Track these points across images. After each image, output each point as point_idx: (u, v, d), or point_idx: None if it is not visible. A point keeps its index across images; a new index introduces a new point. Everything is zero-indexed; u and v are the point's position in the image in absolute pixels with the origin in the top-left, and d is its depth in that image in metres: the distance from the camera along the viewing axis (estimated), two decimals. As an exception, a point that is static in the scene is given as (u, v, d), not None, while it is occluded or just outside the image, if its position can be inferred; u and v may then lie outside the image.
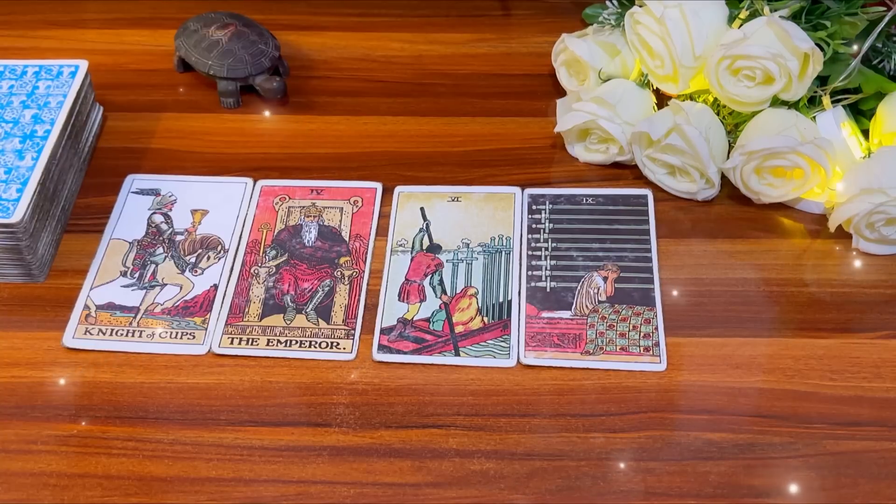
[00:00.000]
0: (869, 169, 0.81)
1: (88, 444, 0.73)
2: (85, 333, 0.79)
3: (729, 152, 0.87)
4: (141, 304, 0.81)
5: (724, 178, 0.87)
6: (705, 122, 0.85)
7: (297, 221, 0.87)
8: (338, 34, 1.07)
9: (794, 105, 0.86)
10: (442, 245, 0.85)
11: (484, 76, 1.02)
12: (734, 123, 0.89)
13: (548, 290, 0.81)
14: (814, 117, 0.85)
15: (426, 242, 0.85)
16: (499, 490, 0.70)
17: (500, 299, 0.81)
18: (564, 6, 1.10)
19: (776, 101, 0.85)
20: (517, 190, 0.89)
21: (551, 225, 0.86)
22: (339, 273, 0.83)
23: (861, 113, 0.87)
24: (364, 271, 0.84)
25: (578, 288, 0.81)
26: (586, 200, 0.88)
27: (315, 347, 0.78)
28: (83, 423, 0.74)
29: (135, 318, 0.80)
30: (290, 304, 0.81)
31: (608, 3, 0.94)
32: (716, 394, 0.75)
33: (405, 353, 0.78)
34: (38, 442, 0.73)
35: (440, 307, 0.81)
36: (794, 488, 0.69)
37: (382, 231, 0.87)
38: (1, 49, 1.05)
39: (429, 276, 0.83)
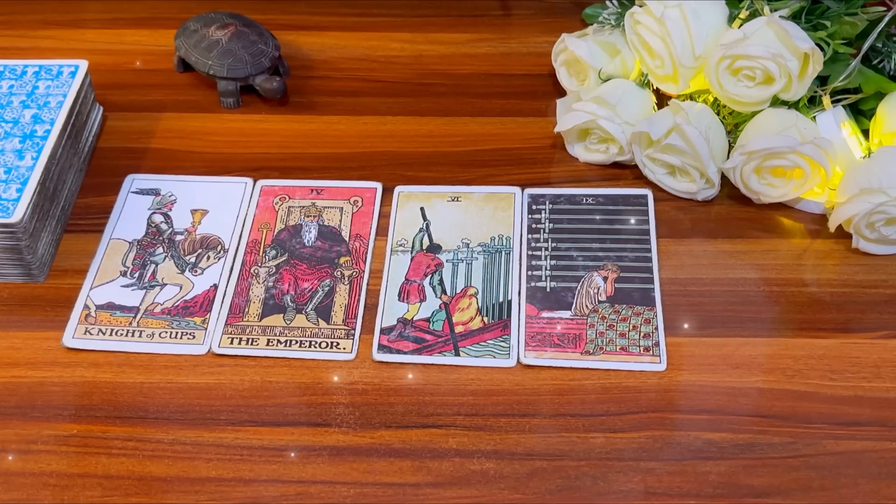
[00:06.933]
0: (869, 169, 0.81)
1: (88, 444, 0.73)
2: (85, 333, 0.79)
3: (729, 152, 0.87)
4: (141, 304, 0.81)
5: (724, 178, 0.87)
6: (705, 122, 0.85)
7: (297, 221, 0.87)
8: (338, 34, 1.07)
9: (794, 105, 0.86)
10: (442, 245, 0.85)
11: (484, 76, 1.02)
12: (734, 123, 0.89)
13: (548, 290, 0.81)
14: (814, 117, 0.85)
15: (426, 242, 0.85)
16: (499, 490, 0.70)
17: (500, 299, 0.81)
18: (564, 6, 1.10)
19: (776, 101, 0.85)
20: (517, 190, 0.89)
21: (551, 225, 0.86)
22: (339, 273, 0.83)
23: (861, 113, 0.87)
24: (364, 271, 0.84)
25: (578, 288, 0.81)
26: (586, 200, 0.88)
27: (315, 347, 0.78)
28: (83, 423, 0.74)
29: (135, 317, 0.80)
30: (290, 304, 0.81)
31: (608, 3, 0.94)
32: (716, 394, 0.75)
33: (405, 353, 0.78)
34: (38, 442, 0.73)
35: (440, 307, 0.81)
36: (794, 488, 0.69)
37: (382, 231, 0.87)
38: (1, 49, 1.05)
39: (429, 276, 0.83)
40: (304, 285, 0.83)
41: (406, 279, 0.83)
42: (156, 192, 0.90)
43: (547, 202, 0.88)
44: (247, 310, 0.81)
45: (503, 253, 0.84)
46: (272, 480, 0.70)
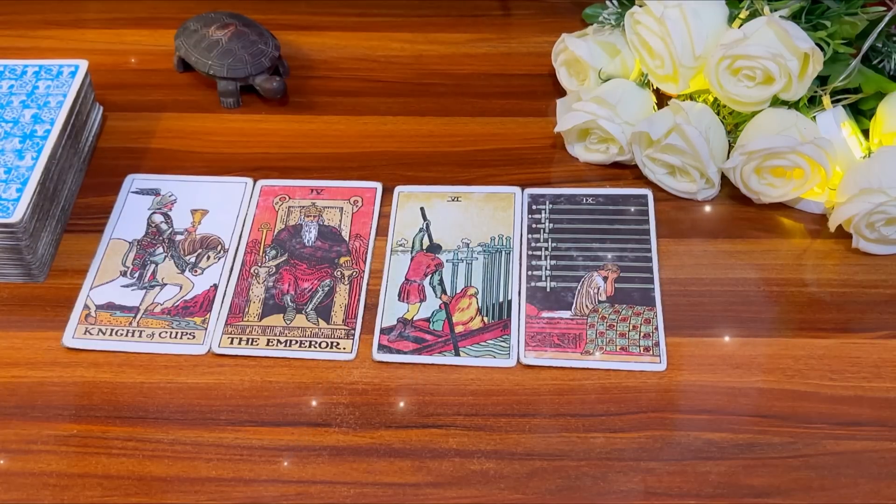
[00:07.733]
0: (869, 169, 0.81)
1: (88, 444, 0.73)
2: (85, 333, 0.79)
3: (729, 152, 0.87)
4: (141, 304, 0.81)
5: (724, 178, 0.87)
6: (705, 122, 0.85)
7: (297, 221, 0.87)
8: (338, 34, 1.07)
9: (794, 105, 0.86)
10: (442, 245, 0.85)
11: (484, 76, 1.02)
12: (734, 123, 0.89)
13: (548, 290, 0.81)
14: (814, 117, 0.85)
15: (426, 242, 0.85)
16: (499, 490, 0.70)
17: (500, 299, 0.81)
18: (564, 6, 1.10)
19: (776, 101, 0.85)
20: (517, 190, 0.89)
21: (551, 225, 0.86)
22: (339, 273, 0.83)
23: (861, 113, 0.87)
24: (364, 271, 0.84)
25: (578, 288, 0.81)
26: (586, 200, 0.88)
27: (315, 347, 0.78)
28: (83, 423, 0.74)
29: (135, 317, 0.80)
30: (290, 303, 0.81)
31: (608, 3, 0.94)
32: (716, 394, 0.75)
33: (405, 353, 0.78)
34: (38, 442, 0.73)
35: (440, 307, 0.81)
36: (794, 488, 0.69)
37: (382, 231, 0.87)
38: (1, 49, 1.05)
39: (429, 276, 0.83)
40: (304, 285, 0.83)
41: (406, 279, 0.83)
42: (156, 192, 0.90)
43: (547, 202, 0.88)
44: (247, 310, 0.81)
45: (503, 253, 0.84)
46: (272, 480, 0.70)
